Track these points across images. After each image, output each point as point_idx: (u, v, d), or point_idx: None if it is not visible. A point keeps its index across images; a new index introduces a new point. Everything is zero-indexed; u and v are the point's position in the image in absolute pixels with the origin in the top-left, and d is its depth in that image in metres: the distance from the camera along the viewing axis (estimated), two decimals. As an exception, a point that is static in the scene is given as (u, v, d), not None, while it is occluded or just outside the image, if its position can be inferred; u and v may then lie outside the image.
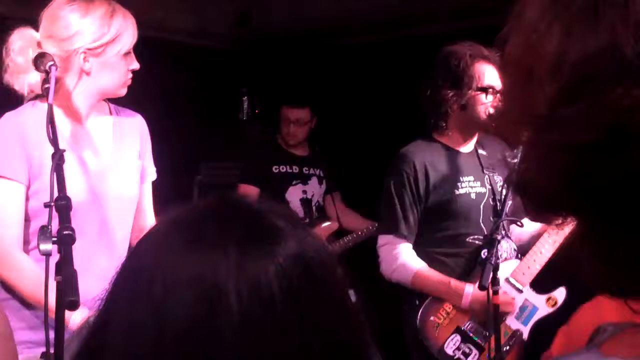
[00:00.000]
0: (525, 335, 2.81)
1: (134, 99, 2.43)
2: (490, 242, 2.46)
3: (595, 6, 0.55)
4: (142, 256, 0.85)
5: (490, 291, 2.40)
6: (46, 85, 2.04)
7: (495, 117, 2.74)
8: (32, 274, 2.10)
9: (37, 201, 2.16)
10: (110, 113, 2.43)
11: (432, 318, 2.75)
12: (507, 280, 2.80)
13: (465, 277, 2.79)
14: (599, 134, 0.54)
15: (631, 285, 0.58)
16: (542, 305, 2.83)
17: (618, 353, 0.57)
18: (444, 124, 2.88)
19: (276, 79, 5.39)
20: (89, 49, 2.20)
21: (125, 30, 2.25)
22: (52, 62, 2.06)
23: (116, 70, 2.27)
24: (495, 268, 2.42)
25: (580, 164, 0.56)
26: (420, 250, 2.84)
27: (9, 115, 2.25)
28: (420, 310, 2.77)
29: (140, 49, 2.32)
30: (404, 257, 2.82)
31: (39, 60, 2.08)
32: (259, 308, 0.76)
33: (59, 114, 2.19)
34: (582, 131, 0.55)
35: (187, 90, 5.26)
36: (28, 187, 2.19)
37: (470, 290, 2.70)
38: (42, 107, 2.22)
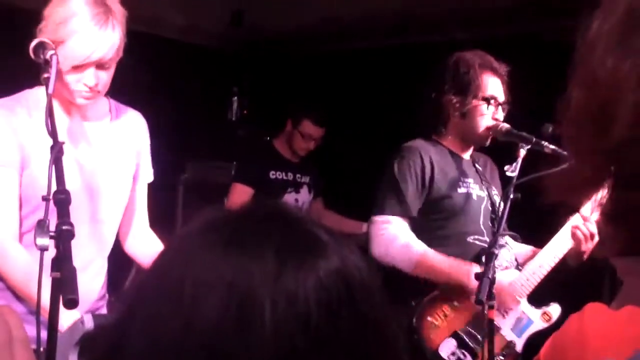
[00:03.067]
0: (518, 348, 2.78)
1: (121, 93, 2.37)
2: (488, 256, 2.44)
3: None
4: (174, 254, 0.80)
5: (487, 306, 2.37)
6: (45, 75, 1.98)
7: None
8: (26, 268, 2.02)
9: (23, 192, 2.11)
10: (110, 110, 2.36)
11: (429, 318, 2.68)
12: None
13: None
14: None
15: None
16: (537, 319, 2.81)
17: None
18: (443, 129, 2.89)
19: (289, 88, 5.32)
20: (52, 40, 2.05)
21: (77, 39, 2.07)
22: (53, 51, 2.00)
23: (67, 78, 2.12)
24: (492, 282, 2.39)
25: None
26: None
27: (2, 101, 2.18)
28: (419, 309, 2.69)
29: (131, 44, 2.24)
30: (406, 238, 2.71)
31: (39, 49, 2.02)
32: (294, 321, 0.71)
33: (55, 105, 2.12)
34: None
35: (176, 88, 5.21)
36: (20, 176, 2.13)
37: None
38: (36, 95, 2.17)
